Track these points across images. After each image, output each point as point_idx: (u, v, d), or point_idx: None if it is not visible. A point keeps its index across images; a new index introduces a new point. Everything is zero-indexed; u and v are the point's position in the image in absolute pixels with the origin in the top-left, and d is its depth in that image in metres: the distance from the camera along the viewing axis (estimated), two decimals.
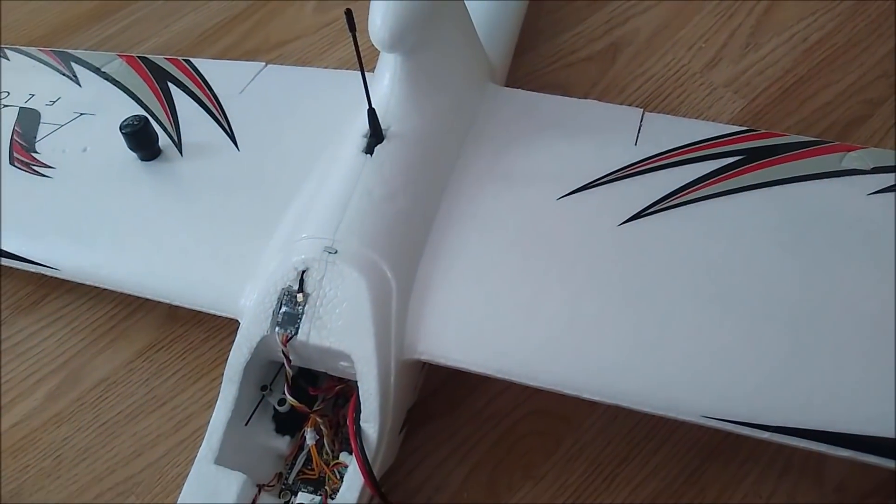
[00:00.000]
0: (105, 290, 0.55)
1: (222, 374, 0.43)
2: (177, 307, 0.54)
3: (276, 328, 0.41)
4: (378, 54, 0.50)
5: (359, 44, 0.42)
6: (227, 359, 0.42)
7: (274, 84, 0.58)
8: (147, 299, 0.55)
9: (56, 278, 0.56)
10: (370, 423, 0.40)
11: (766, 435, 0.38)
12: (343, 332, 0.40)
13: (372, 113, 0.45)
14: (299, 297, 0.42)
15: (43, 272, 0.50)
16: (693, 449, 0.47)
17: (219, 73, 0.59)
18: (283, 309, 0.41)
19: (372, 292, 0.41)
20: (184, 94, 0.57)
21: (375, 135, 0.45)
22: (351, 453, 0.41)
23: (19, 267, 0.51)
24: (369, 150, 0.45)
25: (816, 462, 0.46)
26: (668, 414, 0.39)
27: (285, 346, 0.41)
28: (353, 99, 0.49)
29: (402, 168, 0.45)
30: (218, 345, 0.53)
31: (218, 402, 0.42)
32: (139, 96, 0.58)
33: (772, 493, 0.46)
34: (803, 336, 0.40)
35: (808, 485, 0.46)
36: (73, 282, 0.56)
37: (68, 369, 0.53)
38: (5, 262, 0.51)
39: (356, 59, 0.42)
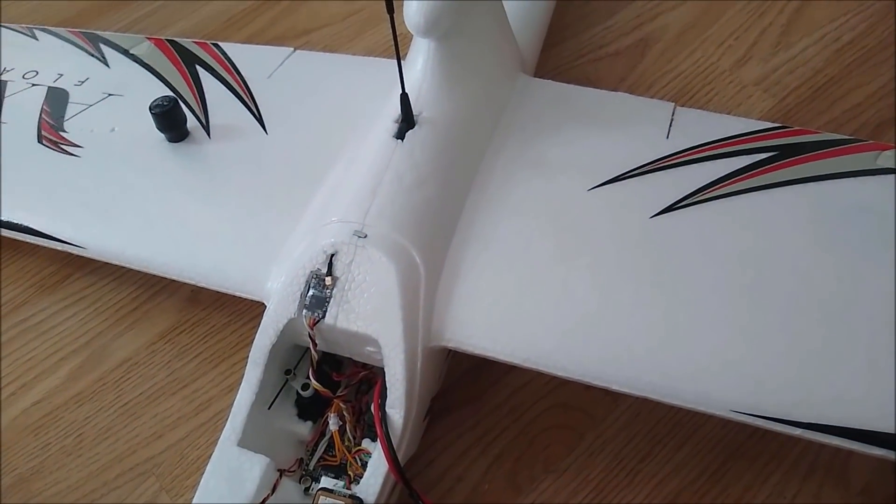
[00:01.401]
0: (128, 271, 0.56)
1: (243, 358, 0.43)
2: (199, 291, 0.55)
3: (304, 311, 0.41)
4: (410, 42, 0.49)
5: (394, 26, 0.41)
6: (249, 343, 0.42)
7: (302, 69, 0.57)
8: (170, 282, 0.55)
9: (80, 259, 0.56)
10: (395, 409, 0.40)
11: (797, 431, 0.37)
12: (371, 316, 0.40)
13: (404, 97, 0.44)
14: (328, 280, 0.41)
15: (69, 250, 0.50)
16: (717, 448, 0.47)
17: (247, 57, 0.59)
18: (311, 292, 0.41)
19: (401, 277, 0.41)
20: (212, 77, 0.57)
21: (407, 120, 0.45)
22: (374, 440, 0.41)
23: (45, 245, 0.51)
24: (400, 135, 0.45)
25: (842, 463, 0.46)
26: (698, 407, 0.39)
27: (312, 329, 0.41)
28: (382, 86, 0.49)
29: (432, 154, 0.45)
30: (240, 329, 0.53)
31: (242, 384, 0.42)
32: (167, 78, 0.58)
33: (796, 493, 0.45)
34: (835, 332, 0.39)
35: (833, 486, 0.45)
36: (96, 263, 0.56)
37: (91, 349, 0.53)
38: (30, 239, 0.51)
39: (383, 47, 0.42)
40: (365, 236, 0.41)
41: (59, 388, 0.52)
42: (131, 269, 0.55)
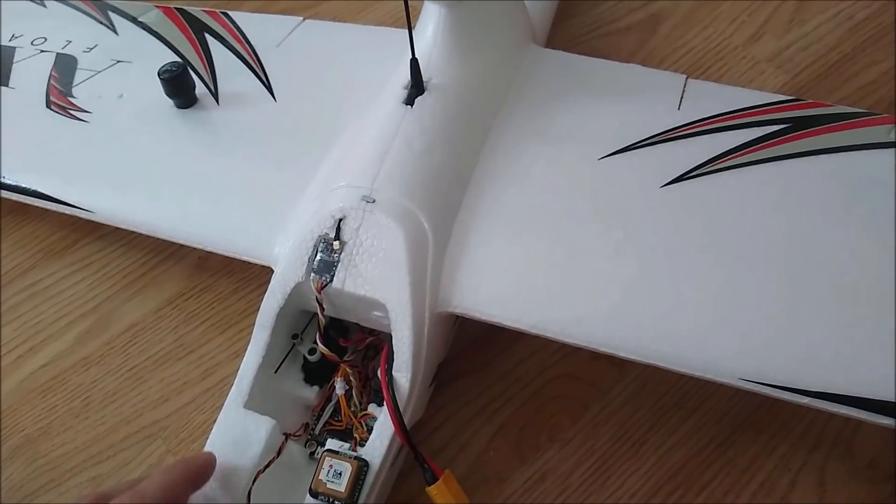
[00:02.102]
0: (136, 238, 0.56)
1: (250, 325, 0.43)
2: (207, 258, 0.55)
3: (312, 275, 0.41)
4: (420, 13, 0.49)
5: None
6: (256, 310, 0.42)
7: (311, 38, 0.57)
8: (177, 249, 0.56)
9: (87, 224, 0.56)
10: (402, 373, 0.40)
11: (805, 400, 0.37)
12: (378, 280, 0.40)
13: (414, 63, 0.44)
14: (335, 244, 0.41)
15: (77, 215, 0.50)
16: (723, 419, 0.47)
17: (256, 25, 0.58)
18: (319, 256, 0.41)
19: (408, 242, 0.40)
20: (221, 44, 0.57)
21: (417, 86, 0.45)
22: (380, 405, 0.41)
23: (54, 209, 0.51)
24: (410, 101, 0.45)
25: (848, 437, 0.46)
26: (706, 375, 0.39)
27: (320, 293, 0.41)
28: (391, 54, 0.49)
29: (442, 120, 0.45)
30: (247, 296, 0.53)
31: (249, 348, 0.42)
32: (176, 46, 0.57)
33: (802, 466, 0.45)
34: (844, 302, 0.39)
35: (839, 459, 0.45)
36: (104, 229, 0.56)
37: (98, 314, 0.53)
38: (39, 203, 0.51)
39: (392, 20, 0.42)
40: (373, 201, 0.41)
41: (66, 352, 0.52)
42: (139, 236, 0.55)
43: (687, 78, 0.50)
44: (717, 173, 0.44)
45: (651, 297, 0.40)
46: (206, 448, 0.40)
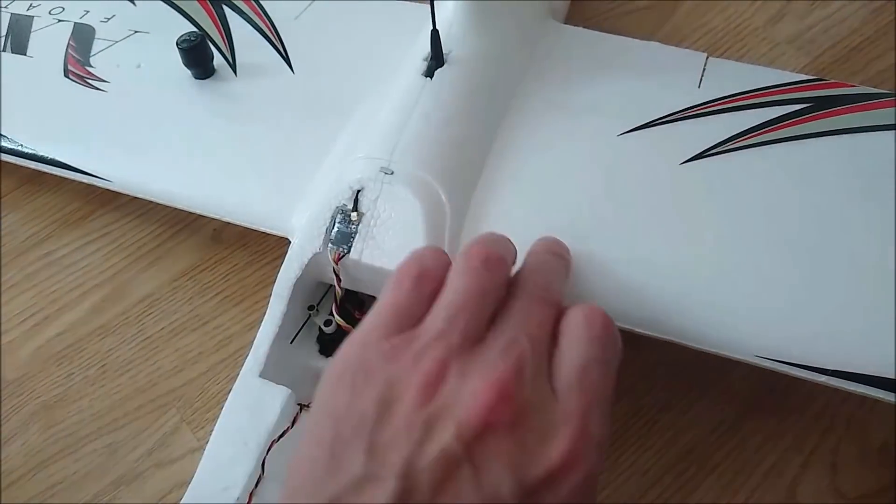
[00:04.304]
0: (151, 209, 0.56)
1: (265, 297, 0.43)
2: (222, 230, 0.55)
3: (329, 246, 0.41)
4: None
5: None
6: (271, 283, 0.42)
7: (330, 11, 0.56)
8: (192, 221, 0.56)
9: (103, 196, 0.57)
10: None
11: (822, 378, 0.37)
12: (396, 252, 0.40)
13: (435, 35, 0.44)
14: (353, 216, 0.41)
15: (95, 184, 0.50)
16: (735, 401, 0.47)
17: None
18: (337, 227, 0.41)
19: (426, 215, 0.40)
20: (238, 16, 0.57)
21: (437, 58, 0.45)
22: None
23: (71, 177, 0.51)
24: (429, 73, 0.45)
25: (861, 421, 0.46)
26: (722, 352, 0.38)
27: (337, 264, 0.41)
28: (410, 27, 0.49)
29: (461, 93, 0.44)
30: (262, 269, 0.54)
31: (265, 318, 0.42)
32: (194, 17, 0.57)
33: (814, 448, 0.45)
34: (865, 282, 0.39)
35: (851, 443, 0.45)
36: (119, 200, 0.57)
37: (114, 284, 0.54)
38: (56, 171, 0.51)
39: None
40: (391, 173, 0.41)
41: (82, 321, 0.52)
42: (154, 207, 0.55)
43: (707, 56, 0.50)
44: (736, 151, 0.44)
45: (669, 272, 0.40)
46: (222, 416, 0.40)
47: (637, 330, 0.40)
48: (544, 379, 0.30)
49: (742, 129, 0.45)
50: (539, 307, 0.32)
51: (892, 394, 0.36)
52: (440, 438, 0.27)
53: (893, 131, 0.44)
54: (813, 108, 0.46)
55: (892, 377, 0.36)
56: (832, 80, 0.48)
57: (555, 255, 0.37)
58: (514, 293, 0.33)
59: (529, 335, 0.31)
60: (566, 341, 0.31)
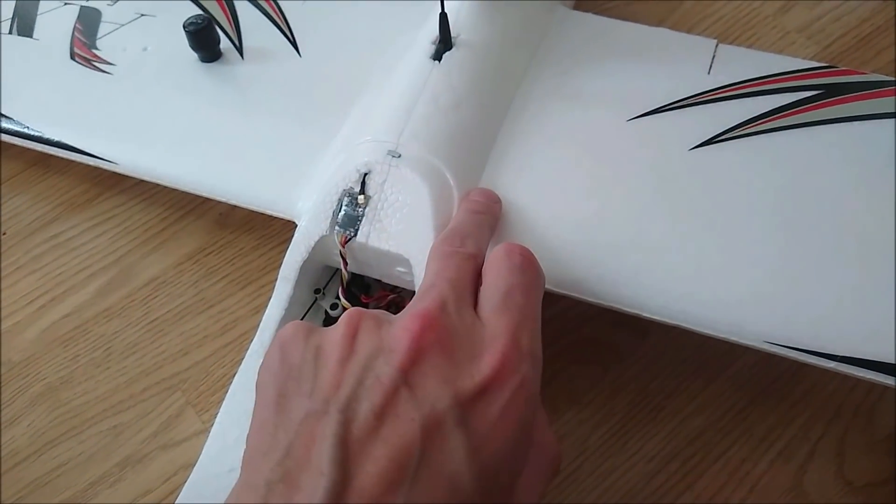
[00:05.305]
0: (157, 193, 0.56)
1: (271, 281, 0.43)
2: (227, 214, 0.55)
3: (336, 229, 0.41)
4: None
5: None
6: (277, 267, 0.42)
7: None
8: (198, 204, 0.56)
9: (109, 179, 0.56)
10: None
11: (831, 364, 0.37)
12: (403, 236, 0.40)
13: (444, 18, 0.43)
14: (360, 199, 0.41)
15: (101, 166, 0.50)
16: (742, 388, 0.47)
17: None
18: (344, 210, 0.41)
19: (433, 198, 0.40)
20: (246, 0, 0.56)
21: (445, 41, 0.44)
22: None
23: (78, 160, 0.51)
24: (437, 56, 0.44)
25: (869, 409, 0.45)
26: (730, 338, 0.38)
27: (343, 247, 0.41)
28: (418, 12, 0.49)
29: (469, 77, 0.44)
30: (267, 253, 0.53)
31: (271, 300, 0.42)
32: (200, 1, 0.57)
33: (821, 436, 0.45)
34: (872, 268, 0.39)
35: (858, 431, 0.45)
36: (125, 183, 0.56)
37: (119, 266, 0.53)
38: (63, 154, 0.51)
39: None
40: (399, 156, 0.41)
41: (88, 303, 0.52)
42: (160, 191, 0.55)
43: (718, 43, 0.50)
44: (746, 138, 0.44)
45: (677, 257, 0.40)
46: (228, 397, 0.40)
47: (645, 315, 0.39)
48: (469, 310, 0.32)
49: (752, 116, 0.45)
50: (454, 259, 0.35)
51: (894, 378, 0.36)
52: (376, 370, 0.29)
53: None
54: (824, 94, 0.46)
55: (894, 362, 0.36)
56: (843, 68, 0.48)
57: (473, 213, 0.40)
58: (431, 258, 0.36)
59: (448, 279, 0.33)
60: (488, 276, 0.34)
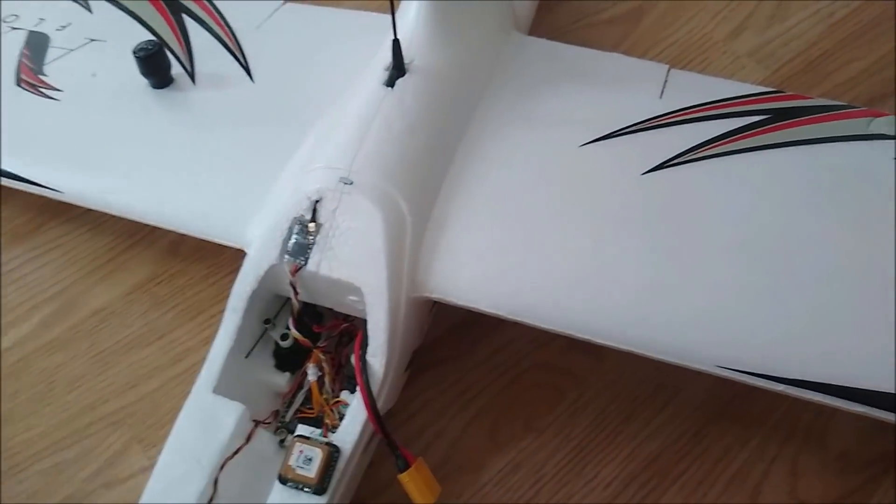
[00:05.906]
0: (105, 221, 0.55)
1: (221, 311, 0.42)
2: (178, 243, 0.54)
3: (286, 257, 0.40)
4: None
5: None
6: (227, 295, 0.41)
7: (291, 21, 0.56)
8: (148, 233, 0.54)
9: (54, 208, 0.55)
10: (376, 358, 0.39)
11: (780, 387, 0.37)
12: (354, 263, 0.39)
13: (396, 44, 0.43)
14: (311, 226, 0.40)
15: (46, 195, 0.49)
16: (697, 411, 0.47)
17: (235, 7, 0.57)
18: (294, 238, 0.40)
19: (386, 225, 0.40)
20: (198, 25, 0.56)
21: (398, 67, 0.44)
22: (353, 392, 0.40)
23: (21, 188, 0.49)
24: (391, 82, 0.44)
25: (821, 430, 0.46)
26: (683, 362, 0.38)
27: (294, 276, 0.40)
28: (372, 38, 0.48)
29: (422, 102, 0.44)
30: (219, 282, 0.52)
31: (219, 332, 0.41)
32: (152, 26, 0.56)
33: (775, 457, 0.45)
34: (824, 292, 0.39)
35: (811, 451, 0.45)
36: (71, 212, 0.55)
37: (64, 297, 0.52)
38: (7, 183, 0.49)
39: (374, 5, 0.41)
40: (351, 183, 0.41)
41: (30, 336, 0.50)
42: (108, 219, 0.54)
43: (669, 68, 0.50)
44: (697, 162, 0.44)
45: (630, 283, 0.40)
46: (173, 433, 0.39)
47: (599, 341, 0.39)
48: None
49: (703, 140, 0.45)
50: None
51: (852, 402, 0.37)
52: None
53: (849, 142, 0.45)
54: (772, 119, 0.46)
55: (853, 386, 0.36)
56: (790, 93, 0.49)
57: None
58: None
59: None
60: None
